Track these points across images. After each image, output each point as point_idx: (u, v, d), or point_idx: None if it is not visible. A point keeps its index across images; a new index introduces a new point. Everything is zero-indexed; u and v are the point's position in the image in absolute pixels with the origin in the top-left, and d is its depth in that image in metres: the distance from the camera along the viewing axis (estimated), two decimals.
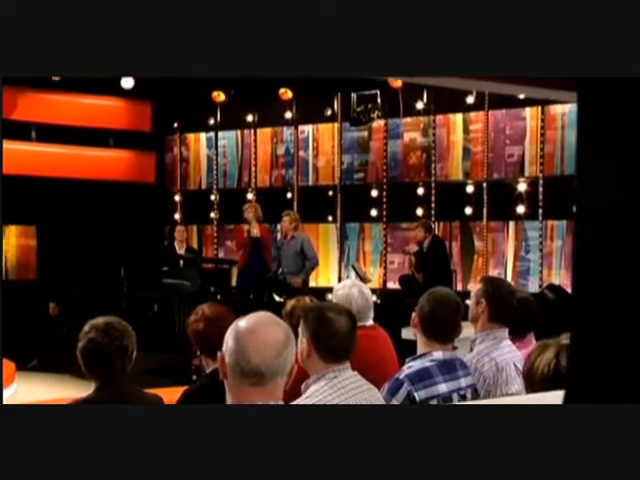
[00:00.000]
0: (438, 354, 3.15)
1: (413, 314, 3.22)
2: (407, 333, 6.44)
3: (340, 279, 11.18)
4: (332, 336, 2.72)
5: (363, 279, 9.64)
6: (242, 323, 1.98)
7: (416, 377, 3.06)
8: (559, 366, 2.16)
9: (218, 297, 9.89)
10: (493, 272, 10.18)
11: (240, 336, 1.94)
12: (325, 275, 11.24)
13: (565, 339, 2.23)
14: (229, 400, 1.98)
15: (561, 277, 9.69)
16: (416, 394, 3.02)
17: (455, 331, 3.20)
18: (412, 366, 3.14)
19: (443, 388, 3.09)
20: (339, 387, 2.72)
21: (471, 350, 3.59)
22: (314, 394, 2.69)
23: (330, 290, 10.57)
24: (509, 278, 10.05)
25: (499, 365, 3.44)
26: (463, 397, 3.16)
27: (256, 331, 1.95)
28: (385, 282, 10.69)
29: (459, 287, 10.06)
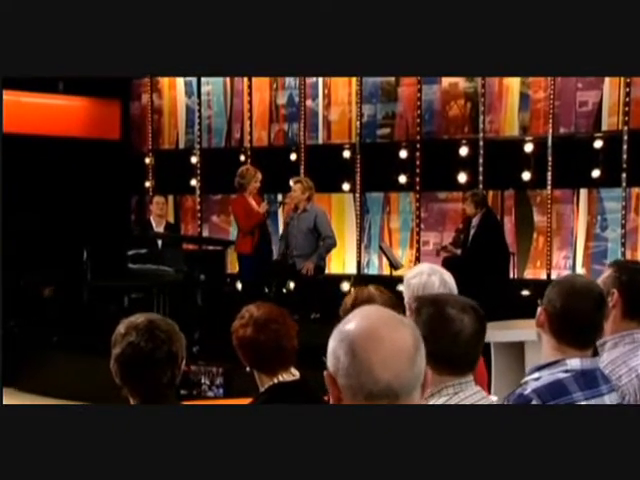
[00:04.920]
0: (574, 362, 3.04)
1: (538, 309, 3.10)
2: None
3: (359, 264, 11.09)
4: (453, 340, 2.64)
5: (394, 264, 9.56)
6: (353, 328, 1.84)
7: (547, 392, 2.96)
8: None
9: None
10: (558, 254, 10.11)
11: (359, 348, 1.81)
12: (339, 259, 11.17)
13: None
14: None
15: None
16: None
17: (597, 332, 3.11)
18: (540, 378, 3.04)
19: None
20: None
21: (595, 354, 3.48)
22: None
23: (346, 278, 10.62)
24: (579, 262, 9.98)
25: None
26: None
27: (379, 337, 1.82)
28: None
29: (514, 274, 9.99)
